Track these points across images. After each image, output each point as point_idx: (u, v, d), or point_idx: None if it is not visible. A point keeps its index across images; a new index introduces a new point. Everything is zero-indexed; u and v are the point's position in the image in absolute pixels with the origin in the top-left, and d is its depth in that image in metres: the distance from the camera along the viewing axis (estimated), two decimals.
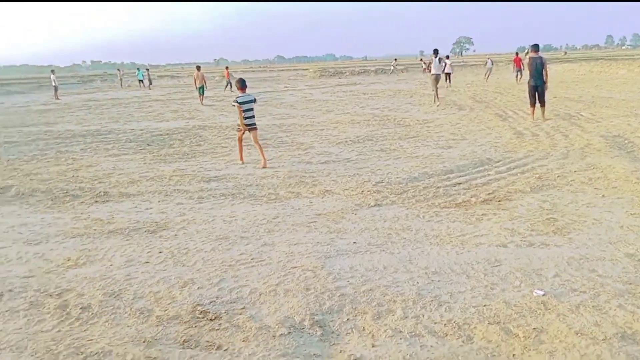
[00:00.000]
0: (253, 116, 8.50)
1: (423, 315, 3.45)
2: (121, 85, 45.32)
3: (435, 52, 17.43)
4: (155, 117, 17.44)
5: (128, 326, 3.47)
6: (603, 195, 5.96)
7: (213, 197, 6.72)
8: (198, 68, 23.16)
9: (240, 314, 3.58)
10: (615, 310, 3.38)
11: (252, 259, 4.54)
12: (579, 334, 3.13)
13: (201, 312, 3.61)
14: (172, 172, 8.27)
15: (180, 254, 4.75)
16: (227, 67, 32.72)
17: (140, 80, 41.69)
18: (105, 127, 15.15)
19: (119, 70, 51.96)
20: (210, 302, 3.76)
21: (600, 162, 7.53)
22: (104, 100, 27.99)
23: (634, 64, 38.34)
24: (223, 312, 3.61)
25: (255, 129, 8.57)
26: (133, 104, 24.28)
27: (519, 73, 27.77)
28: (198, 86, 22.42)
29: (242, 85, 8.57)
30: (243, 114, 8.35)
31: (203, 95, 22.41)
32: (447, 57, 28.46)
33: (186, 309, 3.67)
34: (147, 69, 43.15)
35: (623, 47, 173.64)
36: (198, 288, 4.01)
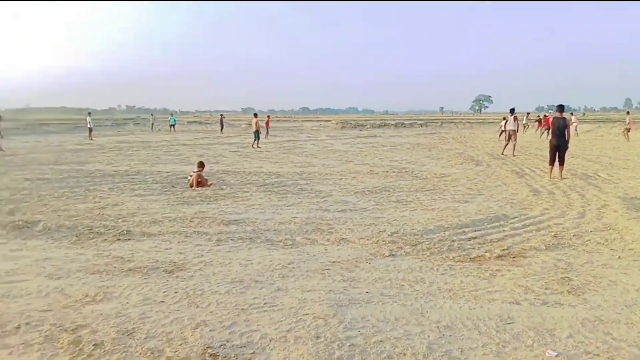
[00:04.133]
0: None
1: None
2: (152, 129, 46.78)
3: (512, 111, 19.94)
4: (181, 160, 17.89)
5: None
6: (619, 257, 5.90)
7: (231, 240, 6.84)
8: (255, 115, 25.59)
9: (250, 359, 3.61)
10: None
11: (264, 304, 4.59)
12: None
13: (211, 355, 3.65)
14: (194, 214, 8.45)
15: (195, 294, 4.82)
16: (268, 116, 33.91)
17: (172, 125, 43.27)
18: (134, 168, 15.59)
19: (151, 115, 54.02)
20: (221, 345, 3.80)
21: (617, 223, 7.48)
22: (134, 142, 28.85)
23: None
24: (232, 356, 3.65)
25: None
26: (162, 147, 24.96)
27: (547, 131, 29.46)
28: (254, 131, 24.68)
29: None
30: None
31: (258, 140, 24.61)
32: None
33: (196, 351, 3.71)
34: (222, 115, 43.62)
35: None
36: (210, 330, 4.06)
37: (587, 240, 6.59)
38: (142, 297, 4.79)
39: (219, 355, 3.64)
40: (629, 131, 27.26)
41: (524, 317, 4.26)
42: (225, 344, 3.82)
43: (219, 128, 40.85)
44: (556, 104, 12.84)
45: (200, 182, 11.59)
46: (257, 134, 24.64)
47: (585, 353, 3.64)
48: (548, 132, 29.56)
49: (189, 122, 63.54)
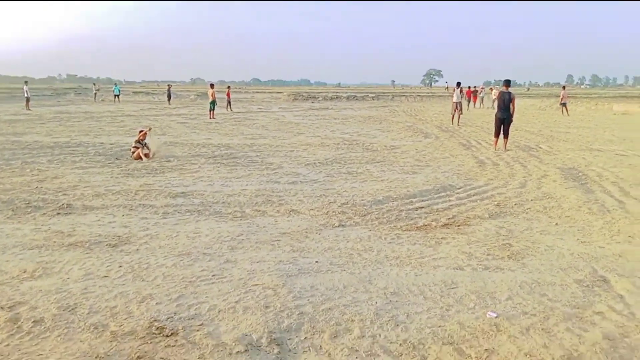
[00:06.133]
0: None
1: (380, 335, 3.51)
2: (95, 99, 44.73)
3: (458, 84, 21.11)
4: (126, 132, 17.24)
5: (81, 341, 3.42)
6: (556, 224, 6.20)
7: (178, 212, 6.69)
8: (212, 86, 25.89)
9: (198, 330, 3.57)
10: (563, 333, 3.52)
11: (213, 276, 4.53)
12: (527, 356, 3.24)
13: (158, 328, 3.58)
14: (139, 187, 8.19)
15: (140, 268, 4.70)
16: (228, 87, 33.24)
17: (116, 95, 41.62)
18: (75, 139, 14.90)
19: (94, 84, 51.50)
20: (168, 318, 3.74)
21: (555, 192, 7.84)
22: (76, 113, 27.55)
23: (591, 102, 40.48)
24: (180, 328, 3.59)
25: None
26: (105, 118, 23.98)
27: (468, 103, 33.40)
28: (210, 101, 24.46)
29: None
30: None
31: (214, 110, 24.35)
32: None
33: (142, 324, 3.63)
34: (169, 85, 42.81)
35: (582, 87, 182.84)
36: (156, 303, 3.98)
37: (527, 209, 6.88)
38: (84, 272, 4.62)
39: (166, 328, 3.58)
40: (565, 106, 28.45)
41: (466, 281, 4.42)
42: (172, 317, 3.76)
43: (167, 99, 39.86)
44: (508, 79, 13.12)
45: (147, 154, 11.23)
46: (213, 104, 24.37)
47: (523, 314, 3.82)
48: (468, 104, 32.12)
49: (135, 93, 61.18)
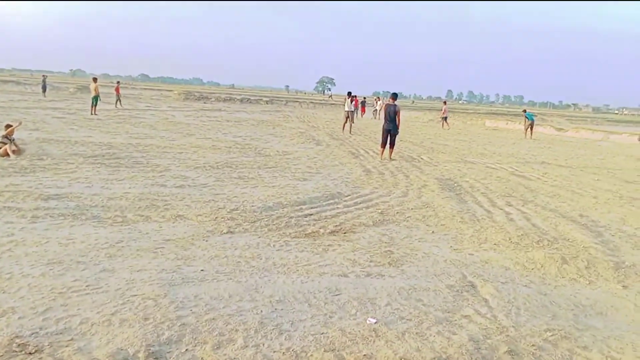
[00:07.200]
0: None
1: (263, 344, 3.50)
2: None
3: (349, 94, 21.65)
4: None
5: None
6: (433, 232, 6.66)
7: (50, 217, 6.14)
8: (95, 80, 24.17)
9: (67, 346, 3.30)
10: (434, 336, 3.77)
11: (87, 286, 4.22)
12: (402, 359, 3.43)
13: (19, 345, 3.25)
14: (4, 187, 7.39)
15: (1, 279, 4.24)
16: (118, 82, 31.34)
17: None
18: None
19: None
20: (32, 334, 3.41)
21: (433, 201, 8.42)
22: None
23: (467, 117, 44.27)
24: (46, 344, 3.29)
25: None
26: None
27: (356, 111, 33.10)
28: (93, 96, 23.06)
29: None
30: None
31: (96, 105, 23.01)
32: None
33: (1, 341, 3.27)
34: (45, 75, 39.20)
35: (460, 102, 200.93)
36: (19, 318, 3.61)
37: (408, 217, 7.30)
38: None
39: (29, 345, 3.26)
40: (446, 119, 30.79)
41: (350, 288, 4.57)
42: (37, 332, 3.44)
43: (41, 90, 36.74)
44: (395, 93, 13.90)
45: (15, 150, 10.20)
46: (95, 99, 22.94)
47: (400, 318, 4.03)
48: (355, 114, 33.28)
49: (3, 82, 55.22)
